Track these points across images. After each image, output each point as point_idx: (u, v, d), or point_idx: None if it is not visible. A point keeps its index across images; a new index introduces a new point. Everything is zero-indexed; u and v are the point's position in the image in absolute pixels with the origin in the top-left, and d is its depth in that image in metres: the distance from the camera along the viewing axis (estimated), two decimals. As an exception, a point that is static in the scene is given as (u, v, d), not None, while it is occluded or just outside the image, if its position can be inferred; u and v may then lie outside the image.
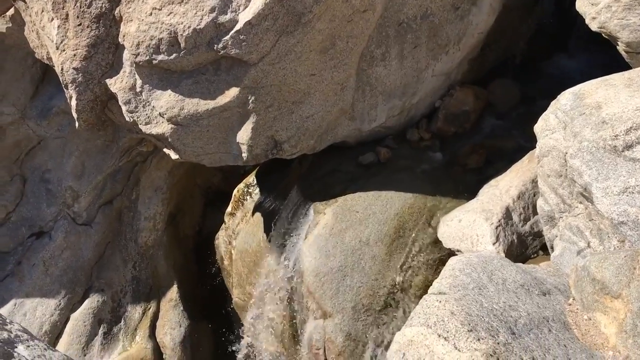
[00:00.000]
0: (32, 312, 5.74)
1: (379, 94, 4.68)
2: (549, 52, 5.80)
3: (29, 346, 2.16)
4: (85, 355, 5.79)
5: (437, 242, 4.27)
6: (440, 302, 1.84)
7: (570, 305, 1.96)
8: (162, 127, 4.27)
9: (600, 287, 1.91)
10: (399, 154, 4.87)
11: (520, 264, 2.35)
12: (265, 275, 4.83)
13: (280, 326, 4.77)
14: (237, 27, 3.94)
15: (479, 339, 1.65)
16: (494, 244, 3.85)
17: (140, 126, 4.30)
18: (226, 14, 3.95)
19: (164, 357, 5.99)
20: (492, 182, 4.37)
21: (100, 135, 5.74)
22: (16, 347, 2.11)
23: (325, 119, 4.47)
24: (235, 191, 5.71)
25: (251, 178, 5.63)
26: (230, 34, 3.95)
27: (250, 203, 5.48)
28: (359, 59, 4.46)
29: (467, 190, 4.49)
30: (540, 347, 1.64)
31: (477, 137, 4.93)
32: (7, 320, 2.44)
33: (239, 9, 3.91)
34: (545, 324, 1.77)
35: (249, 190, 5.58)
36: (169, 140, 4.30)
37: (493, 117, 5.09)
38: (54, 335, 5.76)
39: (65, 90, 4.32)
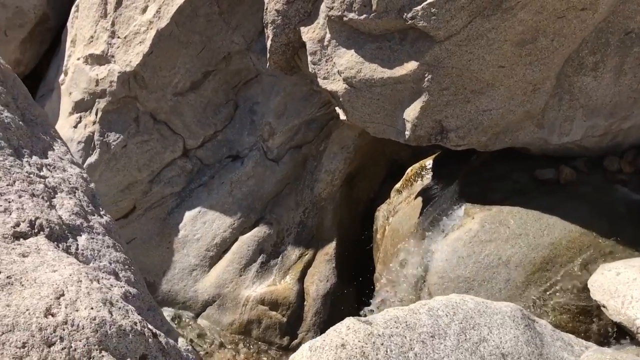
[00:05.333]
0: (210, 223, 6.36)
1: (579, 106, 4.08)
2: None
3: (92, 239, 2.39)
4: (240, 275, 6.27)
5: (587, 289, 3.67)
6: (349, 329, 1.56)
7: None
8: (337, 85, 4.29)
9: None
10: (585, 179, 4.22)
11: (563, 334, 1.87)
12: (400, 261, 4.67)
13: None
14: (432, -1, 3.73)
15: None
16: (646, 313, 3.18)
17: (318, 79, 4.38)
18: (424, -16, 3.76)
19: (304, 303, 6.22)
20: (683, 243, 3.58)
21: (306, 83, 5.98)
22: (78, 236, 2.35)
23: (505, 118, 4.05)
24: (409, 170, 5.56)
25: (428, 160, 5.41)
26: (423, 4, 3.76)
27: (418, 185, 5.29)
28: (563, 62, 3.91)
29: (650, 244, 3.75)
30: None
31: (692, 187, 4.05)
32: (101, 212, 2.73)
33: (438, -19, 3.69)
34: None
35: (422, 173, 5.38)
36: (340, 99, 4.31)
37: None
38: (221, 249, 6.32)
39: (265, 29, 4.57)
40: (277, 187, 6.35)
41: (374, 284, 5.55)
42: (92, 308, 1.82)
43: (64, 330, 1.69)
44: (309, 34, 4.34)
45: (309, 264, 6.30)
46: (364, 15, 3.99)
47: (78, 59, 6.44)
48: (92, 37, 6.34)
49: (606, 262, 3.66)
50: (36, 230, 2.13)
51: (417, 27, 3.84)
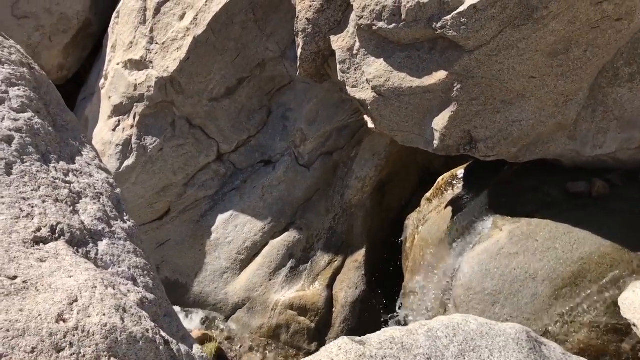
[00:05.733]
0: (242, 226, 6.43)
1: (613, 118, 3.97)
2: None
3: (113, 244, 2.45)
4: (270, 280, 6.31)
5: (617, 306, 3.56)
6: (340, 349, 1.53)
7: None
8: (366, 94, 4.28)
9: None
10: (619, 193, 4.10)
11: (574, 357, 1.81)
12: (428, 271, 4.63)
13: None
14: (461, 8, 3.70)
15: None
16: (677, 335, 3.07)
17: (347, 87, 4.38)
18: (454, -7, 3.73)
19: (333, 310, 6.22)
20: None
21: (338, 90, 5.99)
22: (100, 241, 2.41)
23: (536, 129, 3.98)
24: (439, 179, 5.50)
25: (460, 170, 5.34)
26: (452, 14, 3.73)
27: (449, 194, 5.23)
28: (597, 73, 3.82)
29: (686, 262, 3.62)
30: None
31: None
32: (125, 217, 2.80)
33: (468, -10, 3.66)
34: None
35: (453, 182, 5.32)
36: (369, 108, 4.31)
37: None
38: (251, 253, 6.37)
39: (295, 37, 4.60)
40: (307, 192, 6.38)
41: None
42: (104, 314, 1.87)
43: (74, 336, 1.73)
44: (339, 42, 4.35)
45: (338, 271, 6.30)
46: (393, 25, 3.98)
47: (118, 64, 6.60)
48: (131, 42, 6.50)
49: (638, 280, 3.55)
50: (57, 235, 2.20)
51: (446, 36, 3.81)
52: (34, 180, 2.38)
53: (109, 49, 6.88)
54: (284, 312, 6.21)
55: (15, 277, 1.84)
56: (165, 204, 6.57)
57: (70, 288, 1.90)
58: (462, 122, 4.01)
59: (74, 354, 1.69)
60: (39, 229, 2.14)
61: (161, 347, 1.98)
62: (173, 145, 6.40)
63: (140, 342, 1.90)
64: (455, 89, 3.92)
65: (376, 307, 6.17)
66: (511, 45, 3.70)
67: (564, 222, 3.94)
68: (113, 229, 2.56)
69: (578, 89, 3.83)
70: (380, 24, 4.03)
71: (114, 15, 6.86)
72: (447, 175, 5.47)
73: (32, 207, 2.23)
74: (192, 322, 6.43)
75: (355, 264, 6.25)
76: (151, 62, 6.31)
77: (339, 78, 4.43)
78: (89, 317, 1.82)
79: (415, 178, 6.64)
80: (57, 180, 2.50)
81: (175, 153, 6.43)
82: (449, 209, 5.00)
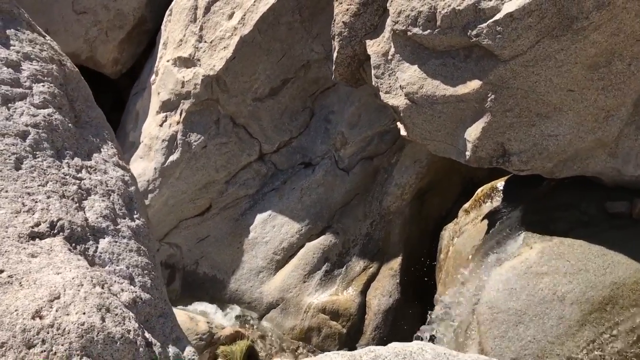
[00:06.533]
0: (279, 227, 6.44)
1: (659, 136, 3.73)
2: None
3: (115, 242, 2.48)
4: (304, 282, 6.30)
5: (650, 337, 3.35)
6: None
7: None
8: (399, 100, 4.20)
9: None
10: (662, 216, 3.86)
11: None
12: (459, 285, 4.49)
13: (451, 341, 4.44)
14: (497, 16, 3.56)
15: None
16: None
17: (380, 93, 4.31)
18: (490, 0, 3.60)
19: (365, 317, 6.15)
20: None
21: (379, 94, 5.91)
22: (101, 238, 2.44)
23: (573, 145, 3.78)
24: (479, 190, 5.32)
25: (500, 182, 5.16)
26: (488, 22, 3.60)
27: (487, 207, 5.06)
28: (642, 88, 3.60)
29: None
30: None
31: None
32: (134, 216, 2.83)
33: (506, -2, 3.52)
34: None
35: (492, 194, 5.14)
36: (401, 115, 4.22)
37: None
38: (287, 254, 6.38)
39: (332, 41, 4.56)
40: (345, 196, 6.32)
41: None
42: (83, 313, 1.89)
43: (48, 333, 1.76)
44: (374, 47, 4.28)
45: (372, 277, 6.22)
46: (428, 31, 3.88)
47: (168, 60, 6.74)
48: (181, 40, 6.63)
49: (673, 311, 3.32)
50: (55, 231, 2.24)
51: (481, 45, 3.67)
52: (43, 175, 2.44)
53: (160, 46, 7.04)
54: (316, 315, 6.18)
55: (1, 271, 1.89)
56: (207, 200, 6.66)
57: (55, 285, 1.93)
58: (495, 134, 3.87)
59: (44, 351, 1.71)
60: (37, 224, 2.19)
61: (141, 349, 1.99)
62: (216, 142, 6.48)
63: (118, 343, 1.91)
64: (489, 99, 3.78)
65: (410, 317, 6.05)
66: (549, 56, 3.54)
67: (599, 243, 3.73)
68: (118, 227, 2.60)
69: (620, 104, 3.62)
70: (415, 30, 3.93)
71: (167, 12, 7.01)
72: (486, 186, 5.29)
73: (35, 202, 2.29)
74: (227, 319, 6.50)
75: (390, 272, 6.15)
76: (199, 60, 6.41)
77: (373, 83, 4.36)
78: (67, 315, 1.85)
79: (457, 188, 6.46)
80: (67, 177, 2.56)
81: (218, 151, 6.51)
82: (485, 222, 4.84)
